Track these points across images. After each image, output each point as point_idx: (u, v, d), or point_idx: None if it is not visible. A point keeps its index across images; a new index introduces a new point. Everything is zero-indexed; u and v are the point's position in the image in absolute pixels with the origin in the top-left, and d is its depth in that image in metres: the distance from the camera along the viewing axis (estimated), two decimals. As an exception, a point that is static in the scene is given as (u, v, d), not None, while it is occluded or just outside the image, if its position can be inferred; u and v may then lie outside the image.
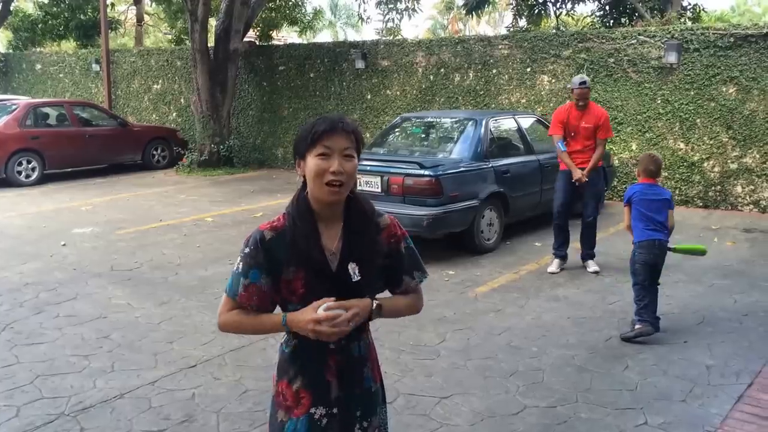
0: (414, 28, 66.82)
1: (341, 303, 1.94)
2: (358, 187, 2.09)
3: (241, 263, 2.00)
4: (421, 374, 4.36)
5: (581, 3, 17.36)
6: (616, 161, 10.36)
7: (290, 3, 18.56)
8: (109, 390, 4.13)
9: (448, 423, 3.73)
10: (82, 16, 20.76)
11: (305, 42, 18.92)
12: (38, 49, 21.24)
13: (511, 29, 17.99)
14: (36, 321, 5.34)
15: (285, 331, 2.02)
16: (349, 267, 1.99)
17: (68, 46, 22.45)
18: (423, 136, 8.50)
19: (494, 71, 11.75)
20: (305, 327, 1.92)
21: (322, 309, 1.91)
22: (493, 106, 11.72)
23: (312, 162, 1.92)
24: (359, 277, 2.00)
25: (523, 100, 11.48)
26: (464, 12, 19.46)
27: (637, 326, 4.88)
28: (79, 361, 4.57)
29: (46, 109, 13.49)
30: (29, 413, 3.84)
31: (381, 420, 2.18)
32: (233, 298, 2.02)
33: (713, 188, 9.94)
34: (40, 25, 20.98)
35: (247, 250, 1.99)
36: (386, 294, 2.15)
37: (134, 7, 24.93)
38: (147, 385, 4.21)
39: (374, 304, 2.03)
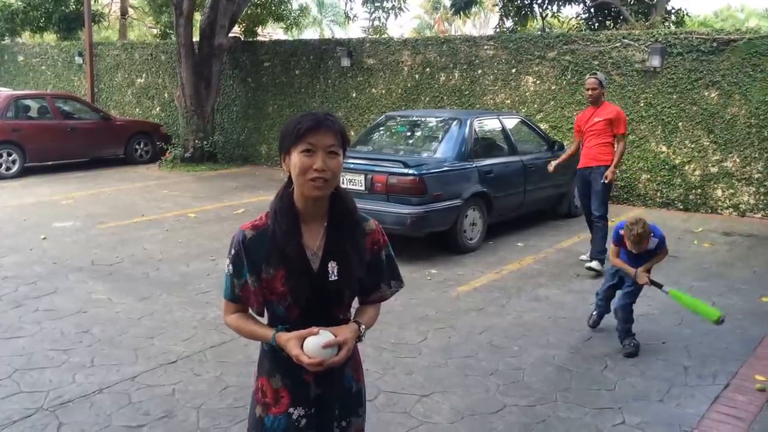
0: (399, 28, 66.91)
1: (335, 339, 1.92)
2: (342, 185, 2.07)
3: (231, 265, 2.01)
4: (402, 372, 4.37)
5: (567, 5, 17.47)
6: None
7: (276, -1, 18.46)
8: (89, 385, 4.10)
9: (429, 421, 3.75)
10: (65, 8, 20.51)
11: (291, 39, 18.84)
12: (20, 41, 20.95)
13: (498, 30, 18.07)
14: (15, 315, 5.29)
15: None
16: (329, 265, 1.98)
17: (50, 37, 22.16)
18: (407, 135, 8.50)
19: (479, 71, 11.79)
20: (292, 356, 1.92)
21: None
22: (478, 106, 11.75)
23: (296, 158, 1.91)
24: (336, 277, 1.98)
25: (508, 101, 11.53)
26: (452, 12, 19.49)
27: (633, 342, 4.75)
28: (58, 355, 4.53)
29: (28, 102, 13.34)
30: (7, 407, 3.80)
31: (362, 421, 2.18)
32: (230, 300, 2.05)
33: (694, 191, 10.04)
34: (20, 16, 20.68)
35: (232, 251, 2.00)
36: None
37: (118, 0, 24.74)
38: (127, 380, 4.18)
39: (361, 329, 2.03)
